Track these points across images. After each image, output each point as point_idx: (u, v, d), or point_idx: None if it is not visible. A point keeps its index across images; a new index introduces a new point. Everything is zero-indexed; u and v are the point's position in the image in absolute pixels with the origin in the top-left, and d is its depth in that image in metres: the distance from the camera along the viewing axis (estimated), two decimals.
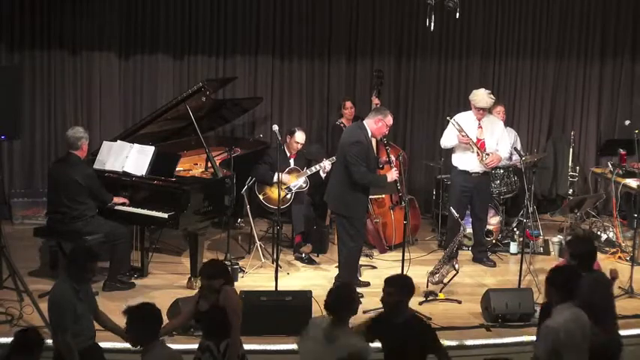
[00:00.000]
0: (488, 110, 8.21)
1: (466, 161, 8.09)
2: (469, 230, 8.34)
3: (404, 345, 4.92)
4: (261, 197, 8.36)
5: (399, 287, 5.09)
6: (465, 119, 8.10)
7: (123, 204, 7.40)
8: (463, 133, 7.95)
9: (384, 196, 8.58)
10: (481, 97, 8.01)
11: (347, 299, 5.03)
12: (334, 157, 7.79)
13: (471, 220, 8.32)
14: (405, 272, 6.96)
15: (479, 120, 8.05)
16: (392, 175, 7.26)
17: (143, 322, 4.74)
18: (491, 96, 8.07)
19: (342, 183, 7.20)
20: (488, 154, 8.00)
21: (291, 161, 8.51)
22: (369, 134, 7.16)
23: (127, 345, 5.07)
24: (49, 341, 5.17)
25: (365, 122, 7.23)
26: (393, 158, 7.54)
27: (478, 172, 8.11)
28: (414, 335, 4.96)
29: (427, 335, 5.07)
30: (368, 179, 7.14)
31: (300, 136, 8.50)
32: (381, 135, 7.26)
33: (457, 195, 8.14)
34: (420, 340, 4.97)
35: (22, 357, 4.59)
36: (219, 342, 4.89)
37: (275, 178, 7.95)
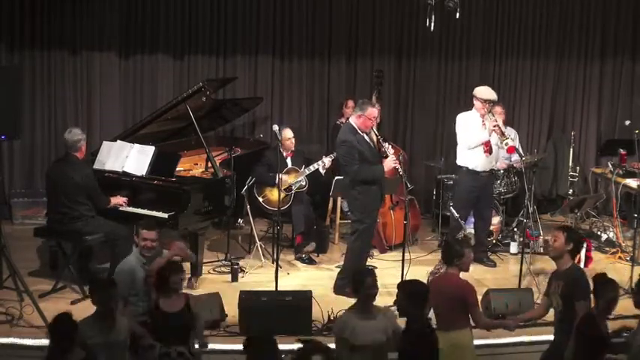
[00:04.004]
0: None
1: (476, 160, 8.01)
2: (469, 230, 8.32)
3: None
4: (260, 199, 8.35)
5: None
6: (467, 118, 8.06)
7: (121, 205, 7.38)
8: (493, 119, 7.85)
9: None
10: (485, 89, 8.00)
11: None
12: (334, 154, 7.84)
13: (472, 220, 8.31)
14: (405, 272, 6.97)
15: (482, 116, 7.92)
16: (388, 164, 7.17)
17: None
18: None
19: (346, 180, 7.34)
20: (511, 139, 7.94)
21: (289, 161, 8.50)
22: (359, 130, 7.16)
23: None
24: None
25: (350, 120, 7.27)
26: (388, 146, 7.44)
27: (486, 172, 8.10)
28: None
29: None
30: (362, 174, 7.09)
31: (288, 132, 8.50)
32: (367, 129, 7.19)
33: (465, 195, 8.08)
34: None
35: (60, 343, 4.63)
36: None
37: (275, 179, 7.94)
